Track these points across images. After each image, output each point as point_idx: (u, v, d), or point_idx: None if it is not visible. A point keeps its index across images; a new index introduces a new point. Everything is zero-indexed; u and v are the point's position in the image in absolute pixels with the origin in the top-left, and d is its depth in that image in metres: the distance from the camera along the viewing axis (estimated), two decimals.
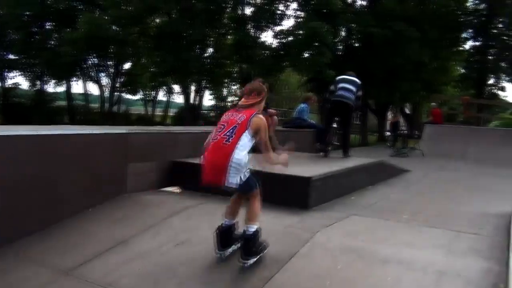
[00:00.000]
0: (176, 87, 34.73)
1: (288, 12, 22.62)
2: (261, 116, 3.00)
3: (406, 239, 3.48)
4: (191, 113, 27.58)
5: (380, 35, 17.90)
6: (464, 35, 23.46)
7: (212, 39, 26.73)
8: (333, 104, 6.92)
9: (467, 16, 22.78)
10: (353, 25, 19.75)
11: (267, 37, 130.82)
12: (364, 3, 22.59)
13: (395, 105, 26.70)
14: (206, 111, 38.31)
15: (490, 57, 22.54)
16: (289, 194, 4.51)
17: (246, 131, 2.90)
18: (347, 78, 6.96)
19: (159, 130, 5.20)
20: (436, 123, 14.48)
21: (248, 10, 22.92)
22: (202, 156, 2.97)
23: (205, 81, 28.28)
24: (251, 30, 22.44)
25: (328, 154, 6.92)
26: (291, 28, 20.03)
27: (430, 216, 4.35)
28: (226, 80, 32.76)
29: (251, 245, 2.98)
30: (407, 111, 33.30)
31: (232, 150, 2.83)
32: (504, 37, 22.37)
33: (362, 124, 22.92)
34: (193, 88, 30.09)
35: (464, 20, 22.73)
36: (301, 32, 18.74)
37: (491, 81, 23.66)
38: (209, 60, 26.48)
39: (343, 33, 21.61)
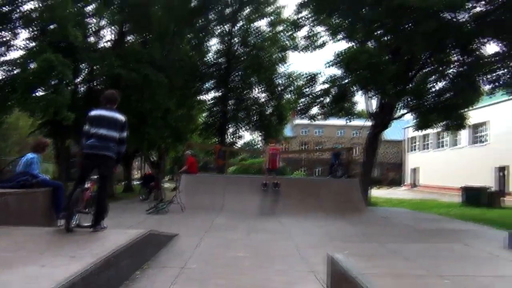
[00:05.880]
0: None
1: (17, 42, 18.61)
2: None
3: None
4: None
5: (128, 78, 16.45)
6: (207, 85, 24.55)
7: None
8: (86, 158, 5.04)
9: (209, 68, 24.00)
10: (97, 65, 17.66)
11: None
12: (108, 44, 20.82)
13: (144, 152, 25.51)
14: None
15: (229, 107, 24.12)
16: None
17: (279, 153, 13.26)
18: (105, 117, 5.10)
19: None
20: (191, 172, 13.83)
21: None
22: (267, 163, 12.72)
23: None
24: None
25: (72, 226, 4.79)
26: (20, 59, 16.20)
27: None
28: None
29: None
30: (153, 158, 32.77)
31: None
32: (239, 90, 24.51)
33: None
34: None
35: (206, 71, 23.86)
36: (32, 66, 15.38)
37: (231, 130, 25.26)
38: None
39: (85, 72, 19.12)
